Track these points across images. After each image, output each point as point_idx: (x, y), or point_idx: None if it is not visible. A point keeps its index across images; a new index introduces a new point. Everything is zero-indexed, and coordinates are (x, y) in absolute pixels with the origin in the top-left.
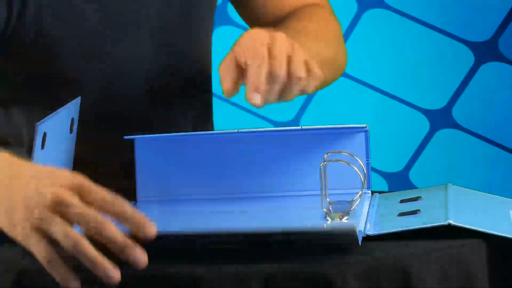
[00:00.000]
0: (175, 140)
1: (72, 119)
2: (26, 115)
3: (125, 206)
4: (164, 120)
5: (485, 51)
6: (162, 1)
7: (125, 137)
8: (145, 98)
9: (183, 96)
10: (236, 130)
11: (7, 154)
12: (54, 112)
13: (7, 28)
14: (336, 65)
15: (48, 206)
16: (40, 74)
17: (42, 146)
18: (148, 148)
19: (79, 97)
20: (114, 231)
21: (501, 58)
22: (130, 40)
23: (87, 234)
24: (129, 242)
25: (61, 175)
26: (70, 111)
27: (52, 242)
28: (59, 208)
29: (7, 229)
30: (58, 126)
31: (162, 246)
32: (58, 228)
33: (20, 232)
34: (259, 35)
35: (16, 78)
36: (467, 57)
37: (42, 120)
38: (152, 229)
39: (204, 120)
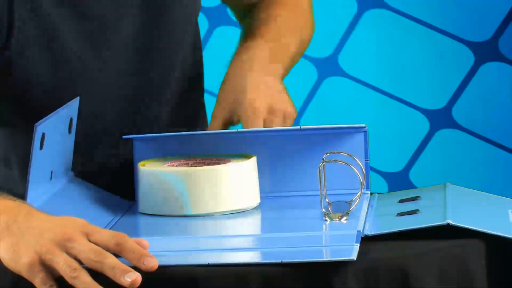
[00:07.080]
0: (174, 139)
1: (71, 120)
2: (11, 139)
3: (127, 240)
4: (154, 121)
5: (485, 51)
6: (141, 7)
7: (124, 136)
8: (133, 103)
9: (173, 97)
10: (236, 130)
11: (26, 205)
12: (53, 113)
13: None
14: (307, 41)
15: (57, 242)
16: (22, 98)
17: (41, 147)
18: (147, 147)
19: (78, 98)
20: (114, 260)
21: (501, 58)
22: (112, 53)
23: (89, 267)
24: (130, 268)
25: (74, 221)
26: (68, 111)
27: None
28: (66, 244)
29: (9, 261)
30: (57, 127)
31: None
32: (62, 259)
33: (25, 264)
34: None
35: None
36: (467, 57)
37: (40, 121)
38: (153, 261)
39: (196, 118)
